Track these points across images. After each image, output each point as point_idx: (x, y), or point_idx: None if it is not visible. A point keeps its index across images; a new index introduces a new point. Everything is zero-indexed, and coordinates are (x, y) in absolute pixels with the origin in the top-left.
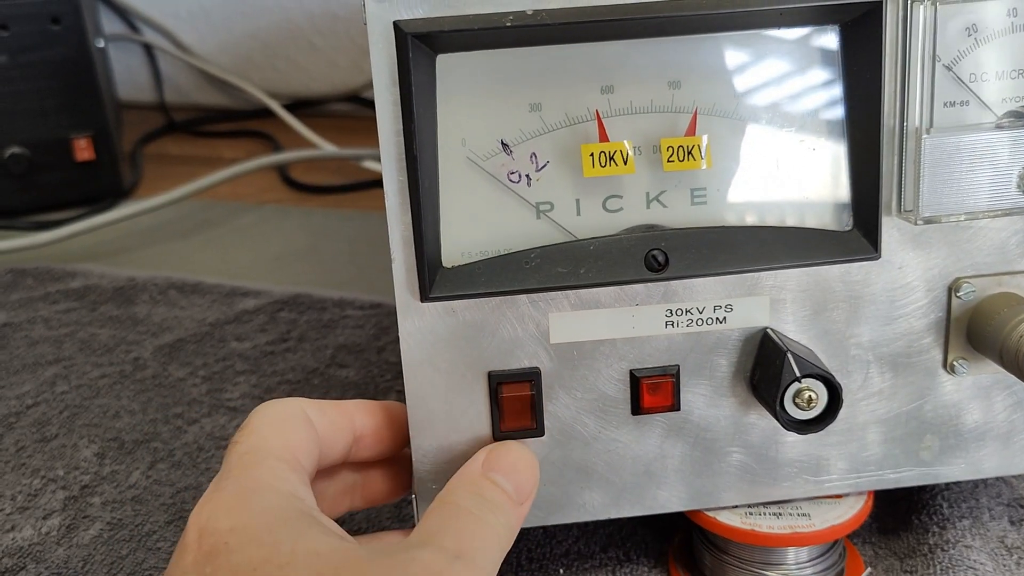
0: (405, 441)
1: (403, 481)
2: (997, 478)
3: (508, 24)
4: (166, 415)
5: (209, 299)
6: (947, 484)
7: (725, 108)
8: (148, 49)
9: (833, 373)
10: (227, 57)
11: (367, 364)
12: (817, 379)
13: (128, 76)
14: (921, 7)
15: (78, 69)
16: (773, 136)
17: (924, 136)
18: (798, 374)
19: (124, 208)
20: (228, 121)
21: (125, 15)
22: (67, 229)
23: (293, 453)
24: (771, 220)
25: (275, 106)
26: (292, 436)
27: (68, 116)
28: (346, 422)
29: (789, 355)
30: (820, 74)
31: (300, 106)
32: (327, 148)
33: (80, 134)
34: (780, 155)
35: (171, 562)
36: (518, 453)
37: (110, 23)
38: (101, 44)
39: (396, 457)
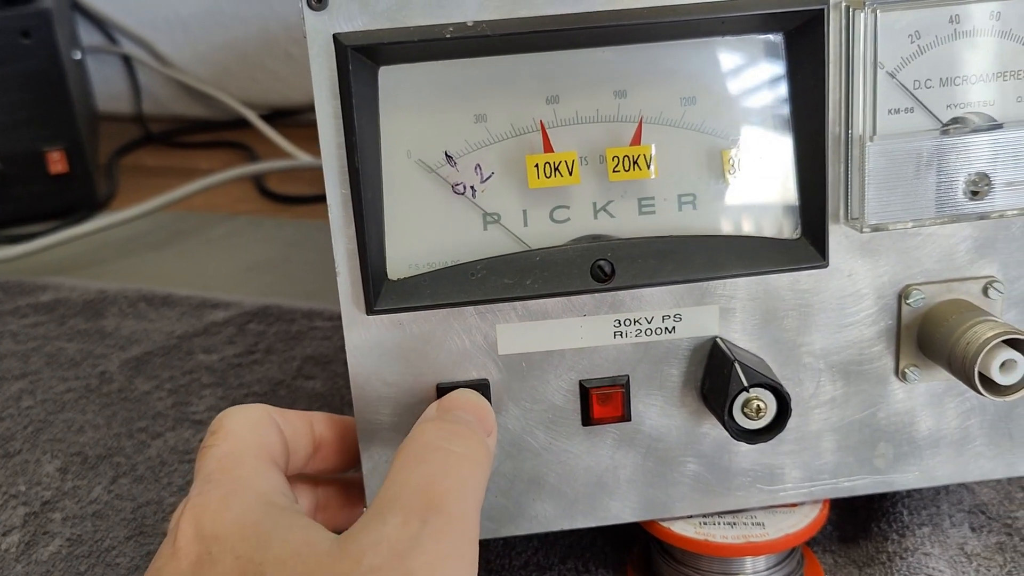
0: (356, 458)
1: (361, 501)
2: (959, 484)
3: (448, 36)
4: (130, 429)
5: (179, 311)
6: (907, 491)
7: (671, 116)
8: (126, 60)
9: (784, 381)
10: (205, 67)
11: (333, 376)
12: (765, 388)
13: (106, 87)
14: (862, 14)
15: (50, 82)
16: (720, 144)
17: (868, 143)
18: (745, 384)
19: (97, 221)
20: (206, 131)
21: (103, 26)
22: (39, 242)
23: (270, 452)
24: (719, 229)
25: (251, 116)
26: (266, 437)
27: (41, 129)
28: (307, 429)
29: (737, 365)
30: (766, 81)
31: (278, 116)
32: (303, 158)
33: (53, 147)
34: (727, 163)
35: (156, 568)
36: (467, 394)
37: (88, 35)
38: (78, 56)
39: (354, 481)
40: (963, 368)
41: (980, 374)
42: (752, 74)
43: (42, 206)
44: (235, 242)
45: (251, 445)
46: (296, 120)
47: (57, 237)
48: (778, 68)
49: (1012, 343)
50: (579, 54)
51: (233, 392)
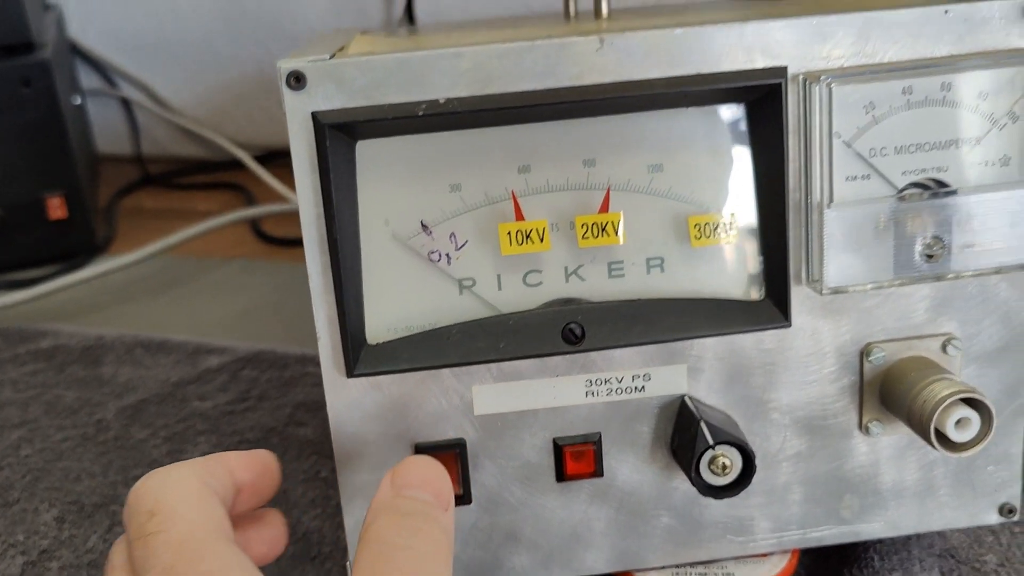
0: (276, 490)
1: (276, 538)
2: None
3: (421, 113)
4: (126, 477)
5: (174, 358)
6: None
7: (639, 183)
8: (125, 102)
9: (751, 437)
10: (203, 109)
11: (324, 422)
12: (731, 446)
13: (106, 129)
14: (817, 88)
15: (50, 130)
16: (687, 209)
17: (826, 210)
18: (711, 443)
19: (94, 267)
20: (203, 173)
21: (102, 70)
22: (38, 289)
23: (222, 529)
24: (687, 291)
25: (246, 158)
26: (212, 511)
27: (41, 176)
28: (229, 478)
29: (702, 424)
30: (730, 149)
31: (275, 156)
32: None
33: (53, 193)
34: (694, 227)
35: None
36: (422, 463)
37: (88, 78)
38: (77, 101)
39: (268, 519)
40: (921, 424)
41: (936, 431)
42: (717, 142)
43: (42, 251)
44: (230, 286)
45: (204, 528)
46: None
47: (56, 284)
48: (741, 136)
49: (967, 401)
50: (549, 125)
51: (226, 439)
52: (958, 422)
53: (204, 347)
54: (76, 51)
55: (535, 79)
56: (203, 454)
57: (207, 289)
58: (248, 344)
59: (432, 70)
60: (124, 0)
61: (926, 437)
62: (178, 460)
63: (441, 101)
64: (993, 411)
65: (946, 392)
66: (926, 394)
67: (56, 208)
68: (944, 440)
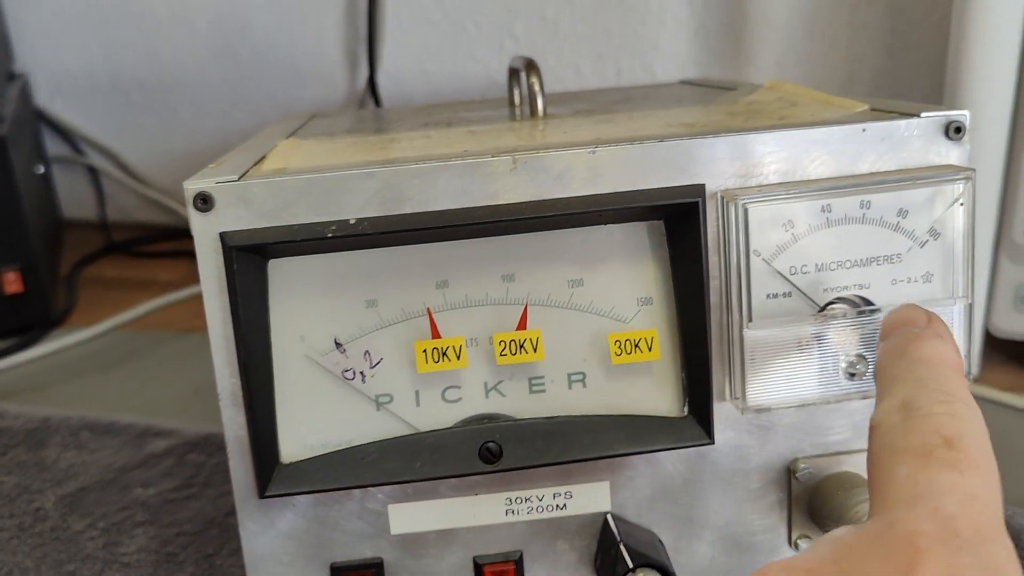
0: None
1: None
2: None
3: (330, 235)
4: (59, 572)
5: (120, 440)
6: None
7: (559, 299)
8: (92, 170)
9: (677, 554)
10: (168, 177)
11: None
12: (652, 568)
13: (72, 196)
14: (735, 206)
15: (5, 204)
16: (609, 325)
17: (746, 328)
18: (631, 565)
19: (48, 344)
20: (168, 240)
21: (69, 137)
22: None
23: None
24: (609, 407)
25: None
26: None
27: None
28: None
29: (622, 545)
30: (651, 263)
31: None
32: None
33: (8, 267)
34: (614, 344)
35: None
36: None
37: (55, 145)
38: (41, 170)
39: None
40: None
41: None
42: (637, 256)
43: None
44: (186, 361)
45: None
46: None
47: (6, 362)
48: (662, 251)
49: None
50: (468, 241)
51: (165, 531)
52: None
53: (152, 429)
54: (43, 118)
55: (449, 198)
56: (140, 548)
57: (162, 364)
58: (197, 427)
59: (343, 190)
60: (91, 70)
61: None
62: (113, 555)
63: (352, 221)
64: None
65: None
66: (852, 516)
67: (11, 282)
68: None
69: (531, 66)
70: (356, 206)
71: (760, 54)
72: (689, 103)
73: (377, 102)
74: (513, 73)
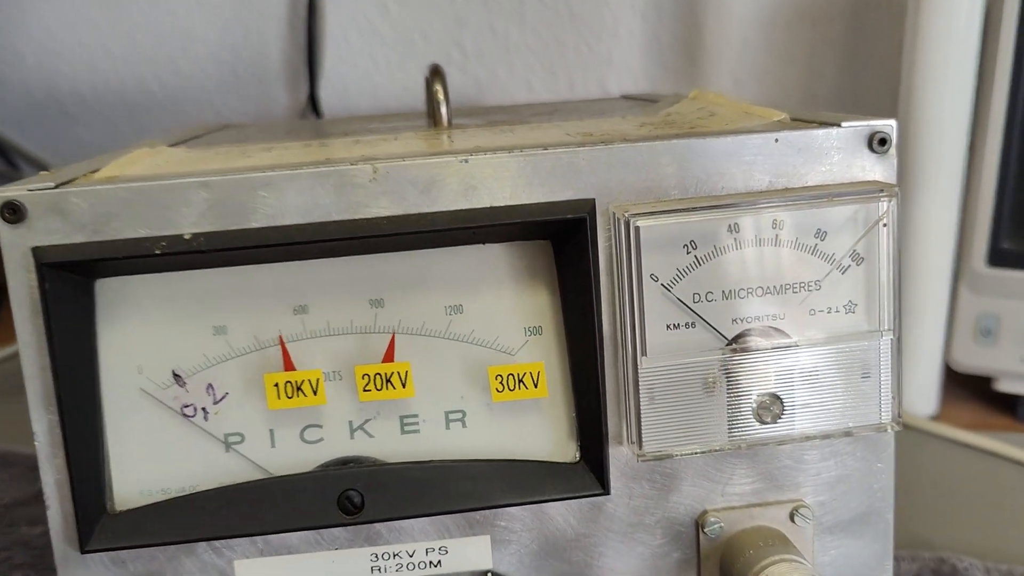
0: None
1: None
2: None
3: (159, 252)
4: None
5: (14, 472)
6: None
7: (435, 327)
8: None
9: None
10: None
11: None
12: None
13: None
14: (626, 223)
15: None
16: (491, 357)
17: (641, 362)
18: None
19: None
20: None
21: (3, 150)
22: None
23: None
24: (491, 451)
25: None
26: None
27: None
28: None
29: None
30: (541, 289)
31: None
32: None
33: None
34: (495, 379)
35: None
36: None
37: None
38: None
39: None
40: None
41: None
42: (525, 281)
43: None
44: None
45: None
46: None
47: None
48: (552, 275)
49: None
50: (330, 260)
51: (45, 574)
52: None
53: None
54: None
55: (300, 212)
56: None
57: None
58: None
59: (174, 201)
60: (27, 82)
61: None
62: None
63: (186, 237)
64: None
65: None
66: None
67: None
68: None
69: (436, 73)
70: (190, 219)
71: (716, 70)
72: (611, 115)
73: (318, 115)
74: (427, 82)
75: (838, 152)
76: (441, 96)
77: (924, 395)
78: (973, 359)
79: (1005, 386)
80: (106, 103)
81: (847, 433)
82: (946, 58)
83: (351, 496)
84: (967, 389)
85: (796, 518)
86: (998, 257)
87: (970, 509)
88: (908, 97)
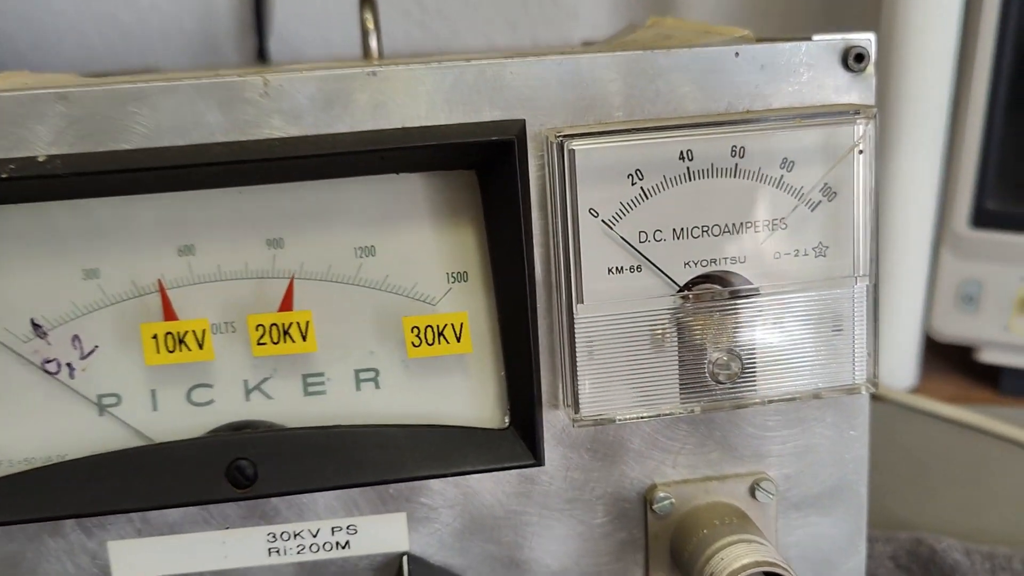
0: None
1: None
2: None
3: (6, 176)
4: None
5: None
6: None
7: (344, 271)
8: None
9: None
10: None
11: None
12: None
13: None
14: (559, 147)
15: None
16: (408, 307)
17: (577, 311)
18: None
19: None
20: None
21: None
22: None
23: None
24: (408, 415)
25: None
26: None
27: None
28: None
29: None
30: (467, 228)
31: None
32: None
33: None
34: (411, 331)
35: None
36: None
37: None
38: None
39: None
40: None
41: None
42: (448, 218)
43: None
44: None
45: None
46: None
47: None
48: (477, 212)
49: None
50: (221, 193)
51: None
52: None
53: None
54: None
55: (179, 132)
56: None
57: None
58: None
59: (25, 116)
60: None
61: None
62: None
63: (40, 159)
64: None
65: (740, 563)
66: (716, 562)
67: None
68: None
69: (365, 1)
70: (45, 139)
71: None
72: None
73: None
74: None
75: (808, 70)
76: (371, 25)
77: (902, 366)
78: (954, 328)
79: (988, 356)
80: (45, 59)
81: (816, 395)
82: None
83: (242, 466)
84: (948, 360)
85: (758, 493)
86: (982, 218)
87: (950, 486)
88: (888, 43)
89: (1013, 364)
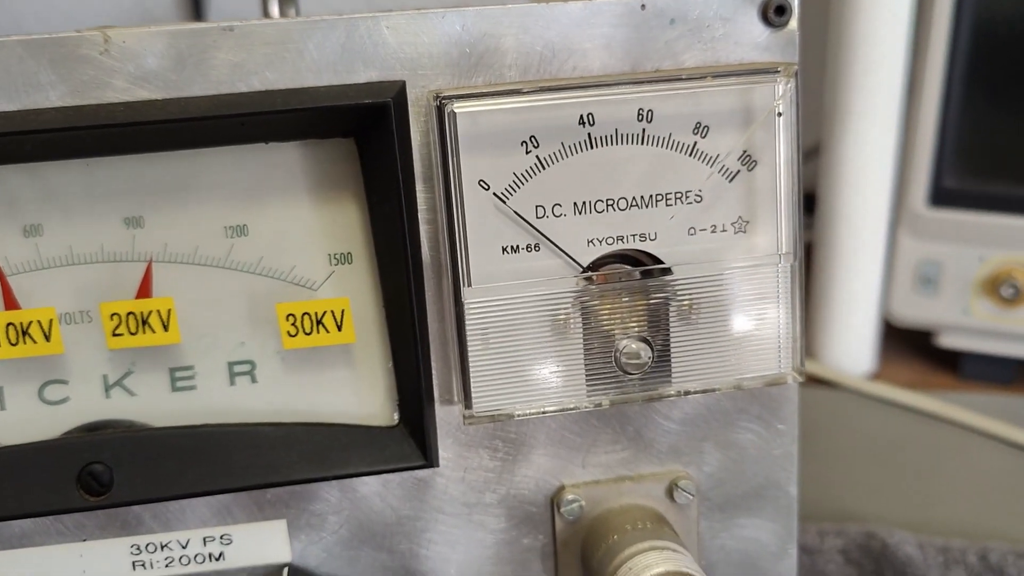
0: None
1: None
2: None
3: None
4: None
5: None
6: None
7: (213, 253)
8: None
9: None
10: None
11: None
12: None
13: None
14: (439, 111)
15: None
16: (286, 292)
17: (465, 294)
18: None
19: None
20: None
21: None
22: None
23: None
24: (287, 412)
25: None
26: None
27: None
28: None
29: None
30: (350, 203)
31: None
32: None
33: None
34: (290, 318)
35: None
36: None
37: None
38: None
39: None
40: None
41: None
42: (328, 193)
43: None
44: None
45: None
46: None
47: None
48: (359, 186)
49: None
50: (70, 165)
51: None
52: None
53: None
54: None
55: (5, 95)
56: None
57: None
58: None
59: None
60: None
61: None
62: None
63: None
64: None
65: (649, 573)
66: (623, 574)
67: None
68: None
69: None
70: None
71: None
72: None
73: None
74: None
75: (723, 24)
76: None
77: (859, 352)
78: (912, 311)
79: (947, 340)
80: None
81: (738, 387)
82: None
83: (95, 471)
84: (906, 344)
85: (676, 494)
86: (940, 197)
87: (906, 477)
88: (841, 13)
89: (973, 348)
